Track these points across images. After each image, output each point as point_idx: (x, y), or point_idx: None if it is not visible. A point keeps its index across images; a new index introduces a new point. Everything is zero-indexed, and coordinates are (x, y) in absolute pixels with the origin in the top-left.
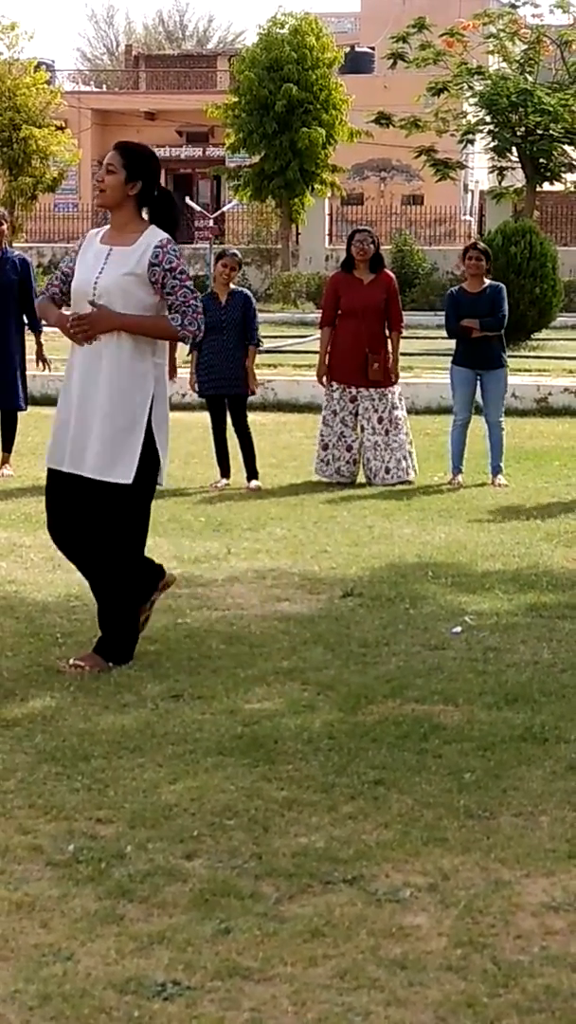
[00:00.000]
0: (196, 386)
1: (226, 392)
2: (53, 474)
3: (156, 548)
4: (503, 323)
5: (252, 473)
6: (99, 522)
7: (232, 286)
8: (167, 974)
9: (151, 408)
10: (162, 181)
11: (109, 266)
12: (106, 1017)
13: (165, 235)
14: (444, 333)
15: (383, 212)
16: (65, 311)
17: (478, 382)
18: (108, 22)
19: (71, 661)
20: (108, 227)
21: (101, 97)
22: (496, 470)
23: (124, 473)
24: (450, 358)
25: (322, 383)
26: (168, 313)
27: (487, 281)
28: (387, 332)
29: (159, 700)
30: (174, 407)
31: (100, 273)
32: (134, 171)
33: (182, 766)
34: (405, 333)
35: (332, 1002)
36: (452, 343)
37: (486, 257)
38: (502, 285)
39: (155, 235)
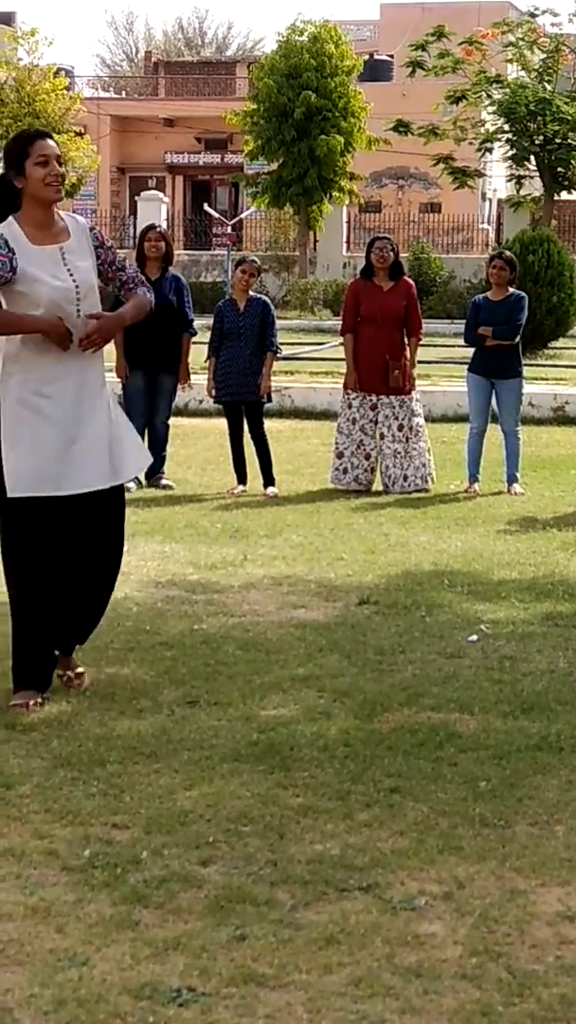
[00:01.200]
0: (213, 392)
1: (242, 399)
2: (39, 501)
3: (173, 554)
4: (518, 331)
5: (269, 480)
6: (95, 532)
7: (251, 293)
8: (182, 980)
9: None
10: (180, 188)
11: (74, 268)
12: (121, 1022)
13: (80, 216)
14: (461, 340)
15: (401, 220)
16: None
17: (493, 390)
18: (128, 28)
19: (76, 674)
20: (20, 228)
21: (120, 103)
22: (512, 479)
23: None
24: (466, 366)
25: (352, 390)
26: (123, 289)
27: (511, 289)
28: (406, 339)
29: (175, 706)
30: (191, 413)
31: (72, 276)
32: None
33: (198, 772)
34: (423, 341)
35: (347, 1009)
36: (470, 351)
37: (511, 267)
38: (524, 294)
39: (77, 219)
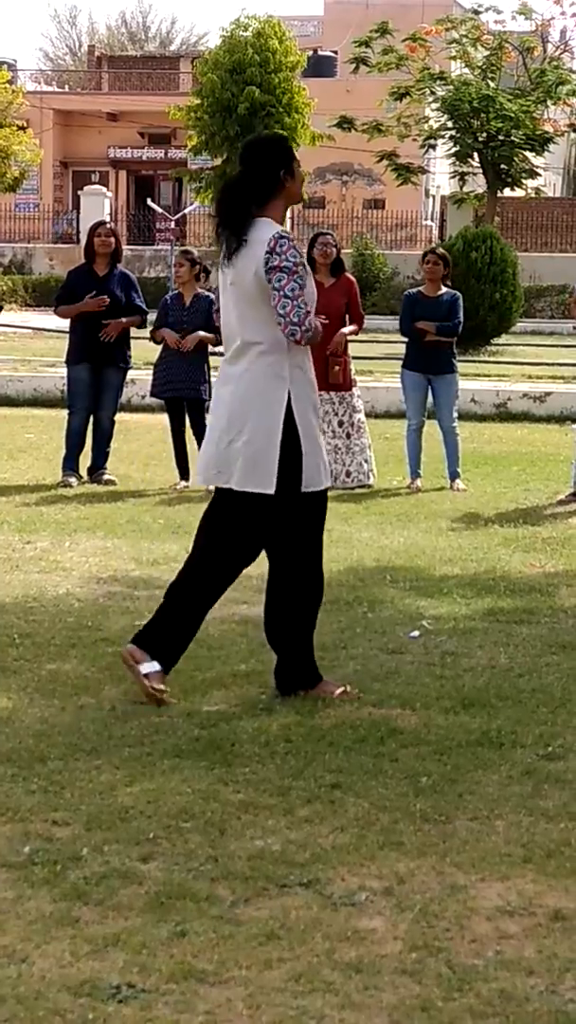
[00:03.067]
0: (152, 388)
1: (184, 395)
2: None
3: (115, 550)
4: (458, 331)
5: None
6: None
7: (198, 288)
8: (122, 977)
9: None
10: (124, 182)
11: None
12: (60, 1020)
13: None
14: (404, 338)
15: (345, 216)
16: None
17: (429, 387)
18: (71, 22)
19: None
20: None
21: (63, 98)
22: (454, 475)
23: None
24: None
25: None
26: None
27: (445, 288)
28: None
29: (116, 702)
30: (134, 408)
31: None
32: None
33: (139, 768)
34: (365, 337)
35: (287, 1005)
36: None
37: (444, 262)
38: (459, 294)
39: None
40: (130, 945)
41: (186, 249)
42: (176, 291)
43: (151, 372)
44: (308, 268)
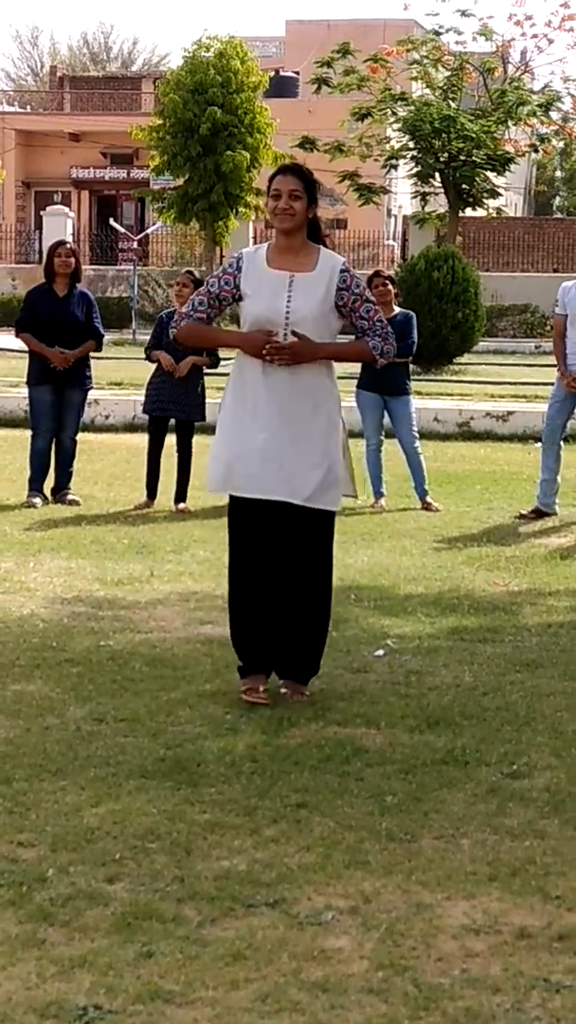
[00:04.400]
0: (144, 405)
1: (174, 415)
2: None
3: (79, 570)
4: (412, 351)
5: (182, 495)
6: (299, 547)
7: None
8: (88, 998)
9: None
10: (86, 202)
11: (297, 294)
12: None
13: (342, 258)
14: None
15: None
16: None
17: (385, 406)
18: (32, 43)
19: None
20: (267, 250)
21: (25, 118)
22: (422, 493)
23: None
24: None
25: None
26: (360, 336)
27: (397, 308)
28: None
29: (81, 723)
30: (97, 429)
31: (289, 302)
32: (312, 195)
33: (104, 789)
34: None
35: None
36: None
37: (392, 283)
38: (412, 313)
39: (334, 259)
40: (97, 966)
41: (189, 270)
42: (173, 309)
43: (114, 392)
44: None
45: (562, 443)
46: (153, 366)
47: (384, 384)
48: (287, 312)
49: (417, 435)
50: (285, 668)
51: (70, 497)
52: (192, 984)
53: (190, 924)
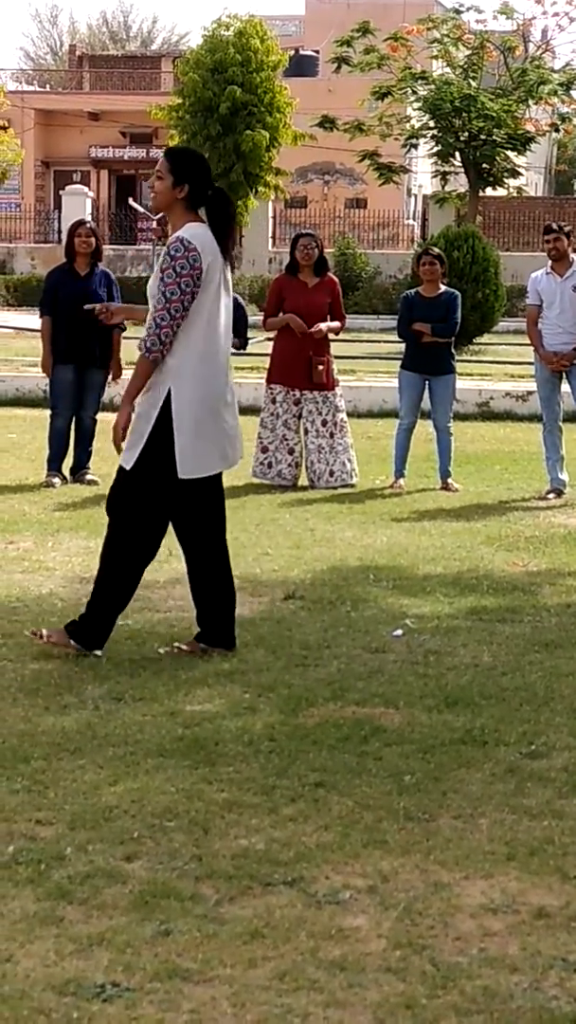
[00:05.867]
0: None
1: None
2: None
3: (98, 550)
4: (455, 330)
5: None
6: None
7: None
8: (107, 976)
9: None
10: (105, 182)
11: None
12: (45, 1019)
13: (181, 233)
14: (386, 336)
15: (326, 215)
16: None
17: (426, 387)
18: (52, 22)
19: (43, 632)
20: None
21: (44, 97)
22: (445, 474)
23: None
24: (393, 361)
25: (275, 384)
26: None
27: (443, 287)
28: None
29: (100, 702)
30: (116, 408)
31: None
32: (181, 175)
33: (123, 768)
34: (348, 336)
35: (271, 1003)
36: (394, 347)
37: (440, 262)
38: (457, 293)
39: (175, 234)
40: (114, 944)
41: None
42: None
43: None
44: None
45: (562, 425)
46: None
47: (427, 364)
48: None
49: (452, 416)
50: (214, 637)
51: (89, 477)
52: (210, 962)
53: (208, 902)
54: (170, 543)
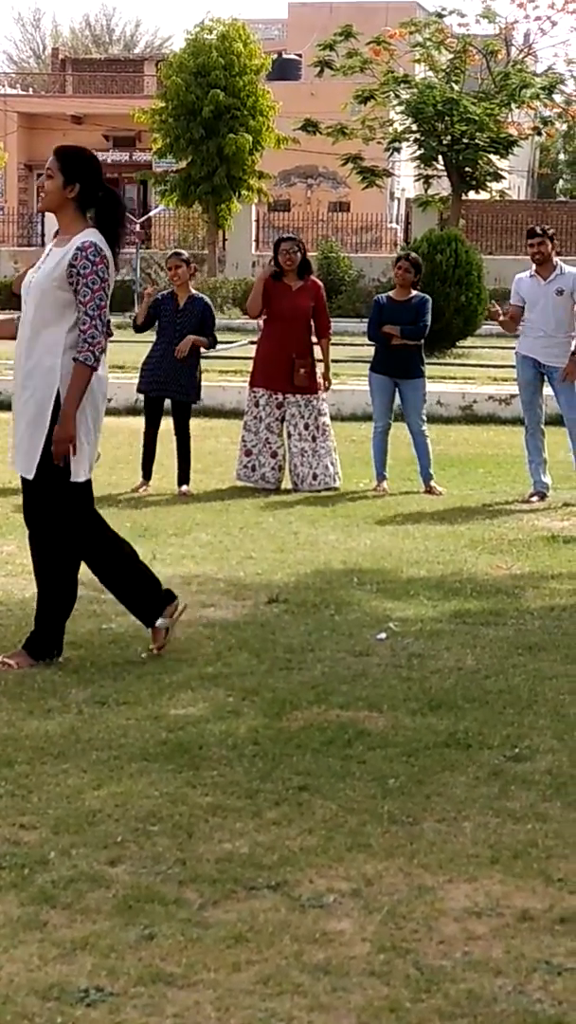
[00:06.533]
0: (140, 384)
1: (170, 396)
2: None
3: None
4: (424, 333)
5: (184, 478)
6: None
7: (193, 291)
8: (90, 980)
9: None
10: None
11: (44, 266)
12: (28, 1023)
13: (90, 239)
14: (372, 343)
15: (310, 219)
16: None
17: (396, 390)
18: (35, 25)
19: (1, 658)
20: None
21: (27, 100)
22: (427, 477)
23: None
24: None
25: (258, 388)
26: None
27: (414, 292)
28: (314, 339)
29: (84, 705)
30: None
31: (36, 272)
32: (71, 174)
33: (106, 772)
34: (331, 340)
35: (255, 1008)
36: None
37: (416, 269)
38: (428, 297)
39: (83, 237)
40: (98, 948)
41: (178, 251)
42: (168, 291)
43: (116, 375)
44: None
45: (544, 428)
46: (147, 347)
47: (396, 367)
48: (30, 282)
49: (425, 419)
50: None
51: None
52: (193, 966)
53: (191, 907)
54: (154, 546)
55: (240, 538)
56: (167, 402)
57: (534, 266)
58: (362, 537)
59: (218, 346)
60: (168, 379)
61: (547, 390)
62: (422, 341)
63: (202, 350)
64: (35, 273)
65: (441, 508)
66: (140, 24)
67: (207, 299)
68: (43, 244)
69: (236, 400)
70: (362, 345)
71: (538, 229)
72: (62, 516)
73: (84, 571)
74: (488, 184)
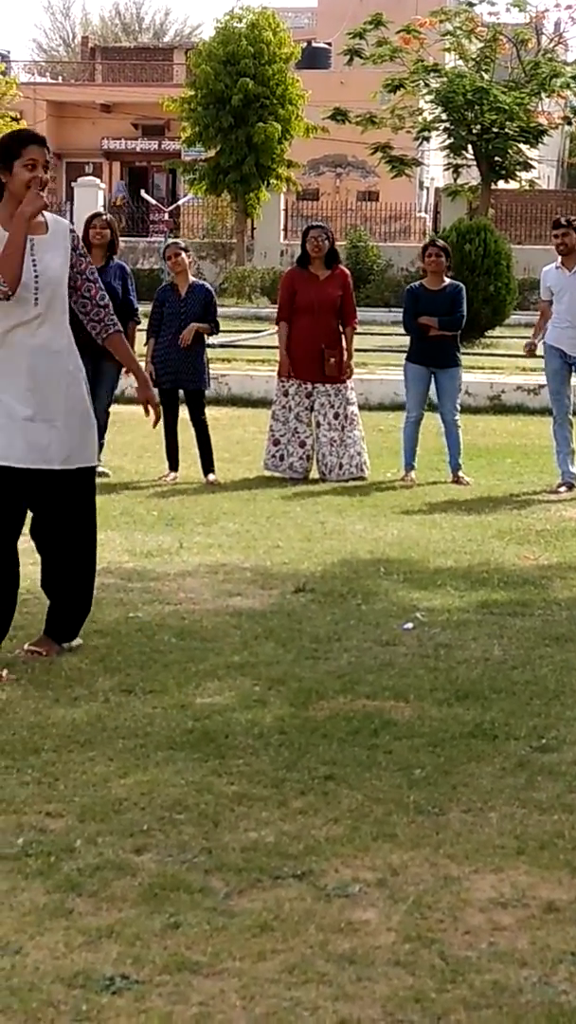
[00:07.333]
0: (152, 376)
1: (182, 386)
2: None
3: (109, 542)
4: (461, 323)
5: (209, 467)
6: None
7: (193, 279)
8: (116, 968)
9: None
10: (117, 174)
11: (45, 260)
12: (54, 1011)
13: (56, 216)
14: (398, 329)
15: (338, 208)
16: None
17: (432, 379)
18: (65, 13)
19: (26, 647)
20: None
21: (57, 89)
22: (456, 467)
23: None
24: (403, 354)
25: (287, 378)
26: (84, 307)
27: (447, 280)
28: (341, 327)
29: (110, 694)
30: (127, 400)
31: (35, 266)
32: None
33: (133, 760)
34: (360, 329)
35: (280, 996)
36: (406, 340)
37: (446, 254)
38: (462, 285)
39: (60, 222)
40: (124, 937)
41: (175, 240)
42: (168, 283)
43: (143, 363)
44: None
45: (572, 419)
46: (142, 337)
47: (433, 357)
48: (36, 279)
49: (459, 409)
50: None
51: (100, 469)
52: (219, 955)
53: (217, 895)
54: (181, 535)
55: (267, 527)
56: (180, 392)
57: (560, 257)
58: (389, 527)
59: (243, 336)
60: (179, 369)
61: (575, 380)
62: (459, 331)
63: (206, 337)
64: (34, 266)
65: (469, 498)
66: (169, 13)
67: (208, 285)
68: None
69: (264, 389)
70: (391, 335)
71: (563, 219)
72: (92, 501)
73: (115, 560)
74: (517, 173)
